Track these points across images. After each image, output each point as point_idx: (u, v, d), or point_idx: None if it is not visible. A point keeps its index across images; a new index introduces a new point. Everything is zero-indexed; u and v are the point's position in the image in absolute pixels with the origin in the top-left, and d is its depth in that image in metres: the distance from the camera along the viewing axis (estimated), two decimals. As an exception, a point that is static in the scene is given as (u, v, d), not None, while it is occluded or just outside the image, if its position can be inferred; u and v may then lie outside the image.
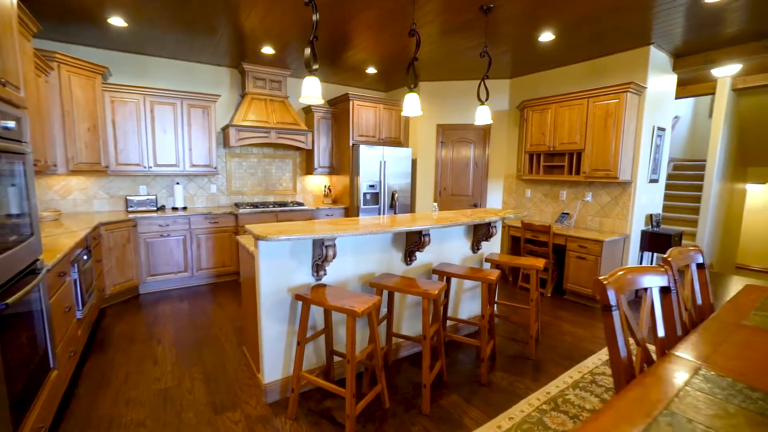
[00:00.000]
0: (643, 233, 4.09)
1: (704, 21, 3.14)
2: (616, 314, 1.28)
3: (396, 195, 2.77)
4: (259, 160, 5.13)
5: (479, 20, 3.18)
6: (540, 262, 2.77)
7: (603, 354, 2.84)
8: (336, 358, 2.40)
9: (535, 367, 2.67)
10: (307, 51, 2.09)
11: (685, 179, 6.43)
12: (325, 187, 5.54)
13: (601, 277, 1.29)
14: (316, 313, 2.31)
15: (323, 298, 1.93)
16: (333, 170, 5.45)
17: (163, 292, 4.07)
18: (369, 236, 2.40)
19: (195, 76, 4.60)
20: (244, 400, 2.20)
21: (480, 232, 2.99)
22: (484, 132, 5.37)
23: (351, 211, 5.22)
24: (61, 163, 3.42)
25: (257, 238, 1.87)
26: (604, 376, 2.51)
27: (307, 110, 5.25)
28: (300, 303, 2.23)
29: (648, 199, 4.14)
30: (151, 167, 4.12)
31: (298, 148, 5.40)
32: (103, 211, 4.12)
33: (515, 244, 4.66)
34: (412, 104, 2.55)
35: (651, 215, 4.17)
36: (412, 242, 2.54)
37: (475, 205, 5.55)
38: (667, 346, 1.49)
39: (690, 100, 7.18)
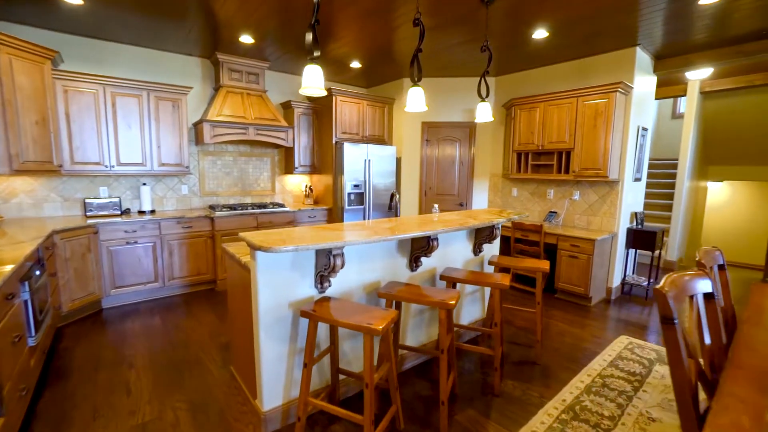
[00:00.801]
0: (629, 231, 4.17)
1: (688, 24, 3.20)
2: (678, 327, 1.17)
3: (396, 196, 2.59)
4: (235, 159, 4.76)
5: (471, 14, 3.06)
6: (545, 264, 2.70)
7: (606, 355, 2.81)
8: (340, 376, 2.19)
9: (543, 372, 2.59)
10: (309, 36, 1.85)
11: (653, 177, 6.72)
12: (306, 187, 5.26)
13: (658, 286, 1.18)
14: (320, 328, 2.08)
15: (333, 314, 1.72)
16: (314, 169, 5.18)
17: (130, 305, 3.65)
18: (377, 243, 2.20)
19: (162, 66, 4.16)
20: (240, 431, 1.94)
21: (483, 235, 2.88)
22: (470, 130, 5.30)
23: (335, 212, 4.98)
24: (2, 161, 2.94)
25: (257, 248, 1.62)
26: (613, 379, 2.47)
27: (287, 106, 4.94)
28: (305, 320, 1.99)
29: (633, 198, 4.23)
30: (113, 166, 3.67)
31: (276, 146, 5.08)
32: (56, 217, 3.62)
33: (505, 244, 4.63)
34: (416, 99, 2.38)
35: (636, 213, 4.26)
36: (419, 247, 2.37)
37: (461, 205, 5.48)
38: (714, 355, 1.42)
39: (654, 103, 7.53)
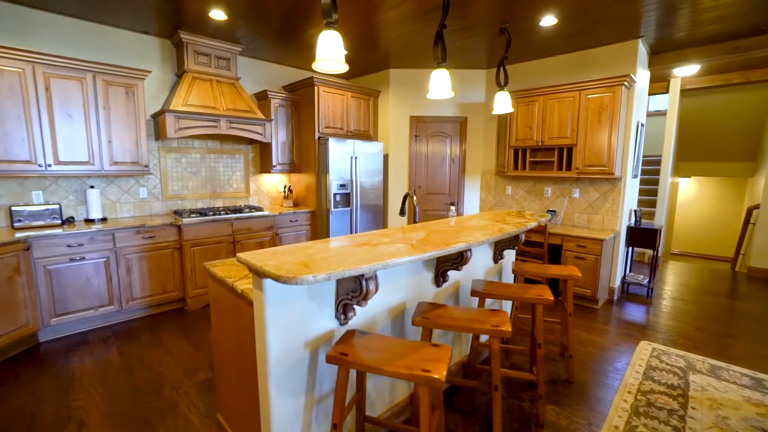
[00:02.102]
0: (629, 229, 4.09)
1: (690, 15, 3.09)
2: None
3: (411, 197, 2.21)
4: (203, 157, 4.13)
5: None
6: (576, 271, 2.45)
7: (636, 365, 2.61)
8: (366, 424, 1.77)
9: (579, 391, 2.33)
10: (326, -6, 1.41)
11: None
12: (285, 187, 4.73)
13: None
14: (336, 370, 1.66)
15: (368, 357, 1.31)
16: (294, 168, 4.66)
17: (78, 336, 2.98)
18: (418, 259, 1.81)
19: (111, 44, 3.47)
20: None
21: (506, 240, 2.57)
22: (461, 125, 5.03)
23: (319, 215, 4.50)
24: None
25: (274, 278, 1.17)
26: (656, 395, 2.26)
27: (262, 96, 4.38)
28: (324, 361, 1.56)
29: (632, 195, 4.15)
30: (50, 166, 2.96)
31: (251, 142, 4.50)
32: (-27, 230, 2.87)
33: (503, 244, 4.39)
34: (441, 83, 2.01)
35: (634, 211, 4.19)
36: (449, 259, 2.01)
37: (452, 205, 5.19)
38: None
39: (647, 98, 7.71)
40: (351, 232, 4.65)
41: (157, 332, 3.06)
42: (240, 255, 1.39)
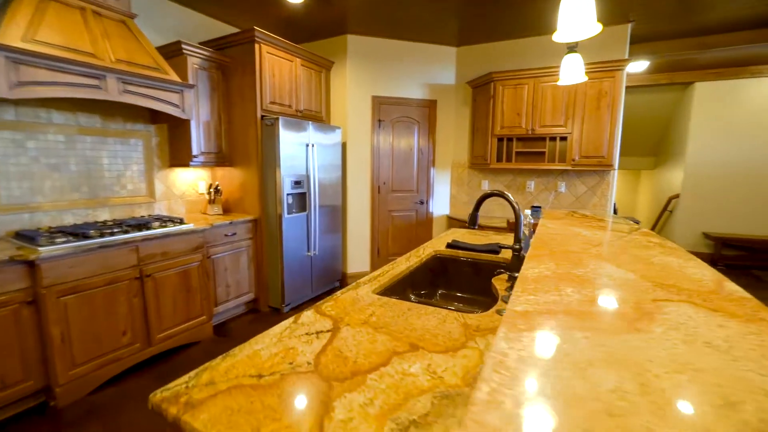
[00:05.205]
0: (611, 223, 3.95)
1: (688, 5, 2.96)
2: None
3: (511, 201, 1.38)
4: (71, 139, 2.52)
5: None
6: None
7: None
8: None
9: None
10: None
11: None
12: (210, 187, 3.34)
13: None
14: None
15: None
16: (223, 159, 3.31)
17: None
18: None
19: None
20: None
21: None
22: (430, 111, 4.31)
23: (264, 224, 3.28)
24: None
25: None
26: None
27: (172, 52, 2.91)
28: None
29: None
30: None
31: (154, 119, 2.99)
32: None
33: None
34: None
35: (614, 204, 4.08)
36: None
37: (422, 203, 4.48)
38: None
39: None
40: (309, 243, 3.54)
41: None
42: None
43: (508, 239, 2.29)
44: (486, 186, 4.30)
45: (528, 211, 1.86)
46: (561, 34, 1.26)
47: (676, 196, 5.64)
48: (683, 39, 3.81)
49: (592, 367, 0.48)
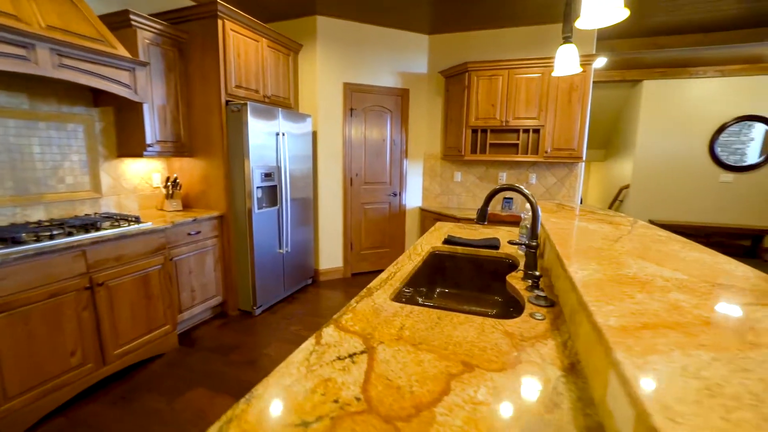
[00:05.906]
0: (577, 213, 4.13)
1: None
2: None
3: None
4: (-12, 123, 2.07)
5: None
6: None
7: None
8: None
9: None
10: None
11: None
12: (167, 180, 2.98)
13: None
14: None
15: None
16: (181, 149, 2.95)
17: None
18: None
19: None
20: None
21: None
22: (402, 99, 4.19)
23: (231, 221, 3.01)
24: None
25: None
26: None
27: (118, 22, 2.49)
28: None
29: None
30: None
31: (97, 101, 2.57)
32: None
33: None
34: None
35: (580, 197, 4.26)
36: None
37: (395, 195, 4.37)
38: None
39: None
40: (280, 240, 3.31)
41: None
42: None
43: (496, 233, 2.26)
44: (458, 178, 4.30)
45: (527, 206, 1.81)
46: (585, 20, 1.19)
47: (627, 187, 6.06)
48: (641, 38, 4.02)
49: (757, 400, 0.40)
